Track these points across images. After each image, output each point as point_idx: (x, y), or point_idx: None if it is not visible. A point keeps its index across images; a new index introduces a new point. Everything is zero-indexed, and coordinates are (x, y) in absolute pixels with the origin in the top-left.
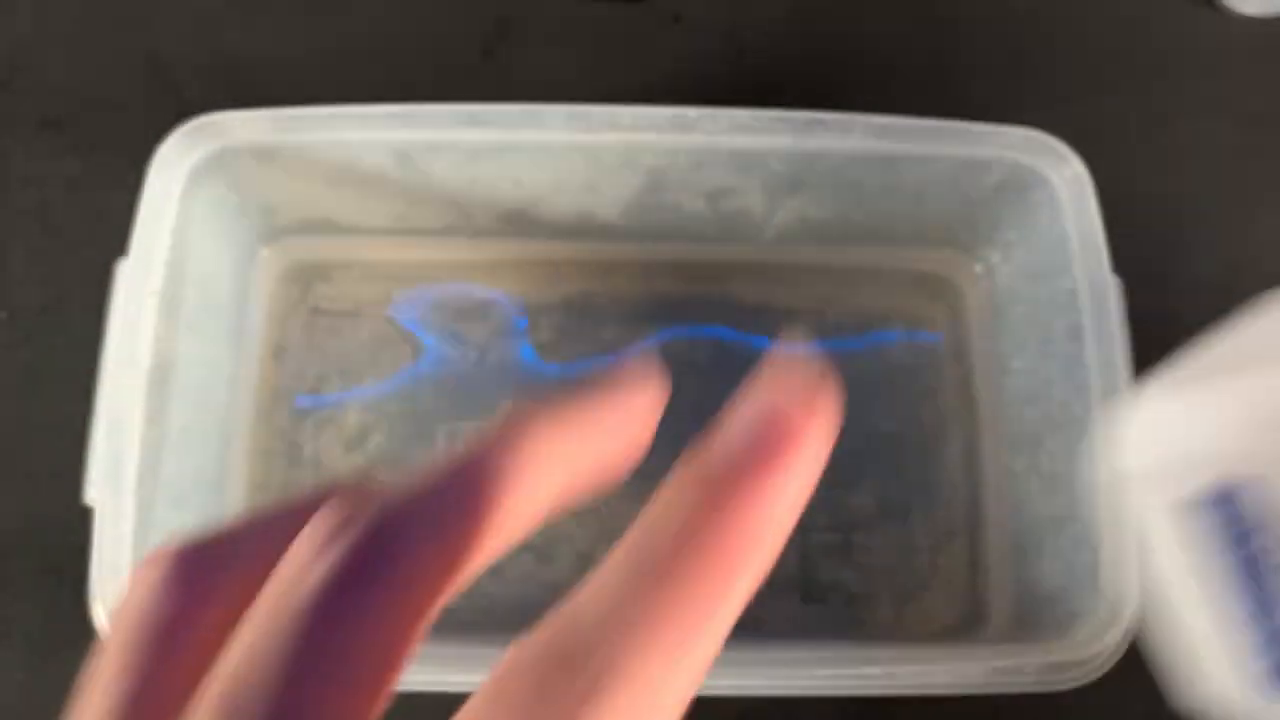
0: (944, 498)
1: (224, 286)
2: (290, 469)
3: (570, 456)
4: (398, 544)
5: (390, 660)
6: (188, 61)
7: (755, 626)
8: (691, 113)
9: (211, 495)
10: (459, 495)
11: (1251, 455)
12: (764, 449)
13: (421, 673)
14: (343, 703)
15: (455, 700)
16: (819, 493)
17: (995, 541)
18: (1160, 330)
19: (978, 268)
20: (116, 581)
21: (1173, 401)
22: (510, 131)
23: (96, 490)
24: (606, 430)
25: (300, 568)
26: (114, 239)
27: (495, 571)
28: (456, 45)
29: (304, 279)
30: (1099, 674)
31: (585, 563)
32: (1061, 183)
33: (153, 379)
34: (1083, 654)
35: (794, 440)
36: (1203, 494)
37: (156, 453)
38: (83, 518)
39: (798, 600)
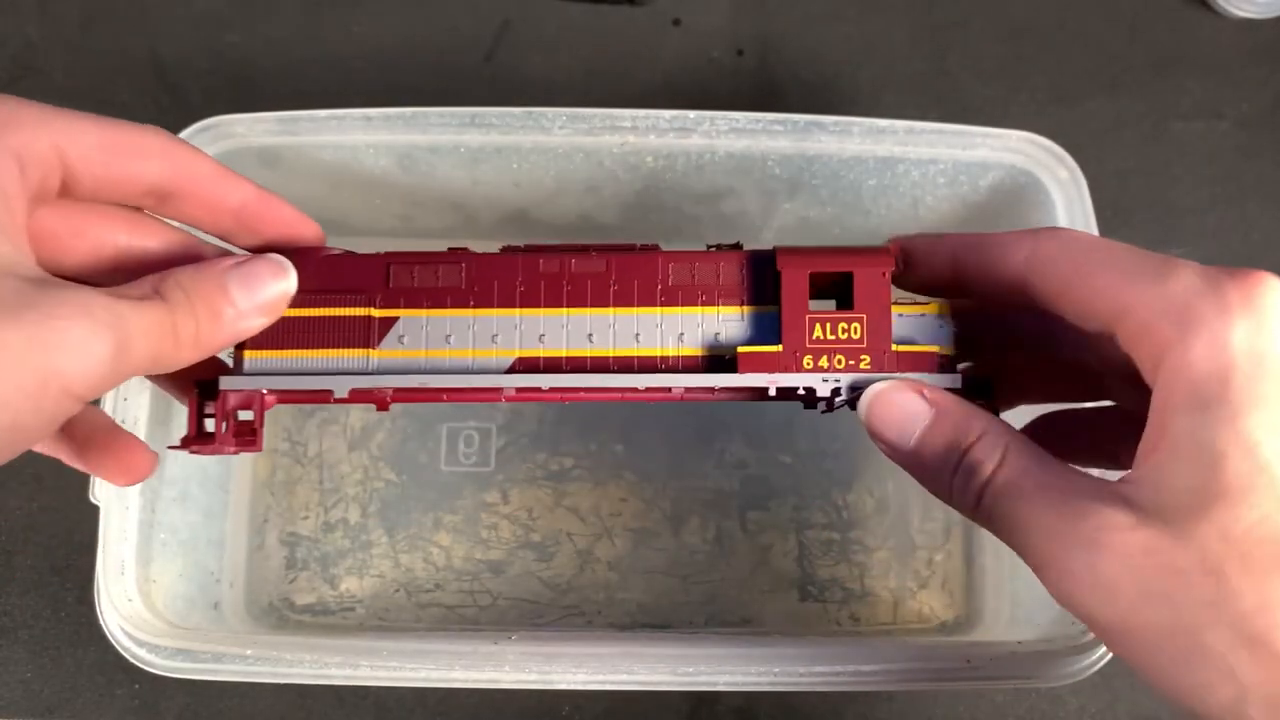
0: None
1: None
2: (295, 467)
3: None
4: None
5: None
6: (192, 65)
7: (755, 623)
8: (691, 115)
9: (216, 494)
10: None
11: None
12: None
13: (427, 668)
14: None
15: (458, 696)
16: (817, 492)
17: (991, 540)
18: None
19: None
20: (121, 580)
21: None
22: (512, 134)
23: (102, 489)
24: None
25: None
26: None
27: (497, 569)
28: (459, 48)
29: None
30: (1095, 670)
31: (585, 560)
32: (1056, 185)
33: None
34: (1078, 651)
35: None
36: None
37: (161, 452)
38: (89, 516)
39: (796, 598)
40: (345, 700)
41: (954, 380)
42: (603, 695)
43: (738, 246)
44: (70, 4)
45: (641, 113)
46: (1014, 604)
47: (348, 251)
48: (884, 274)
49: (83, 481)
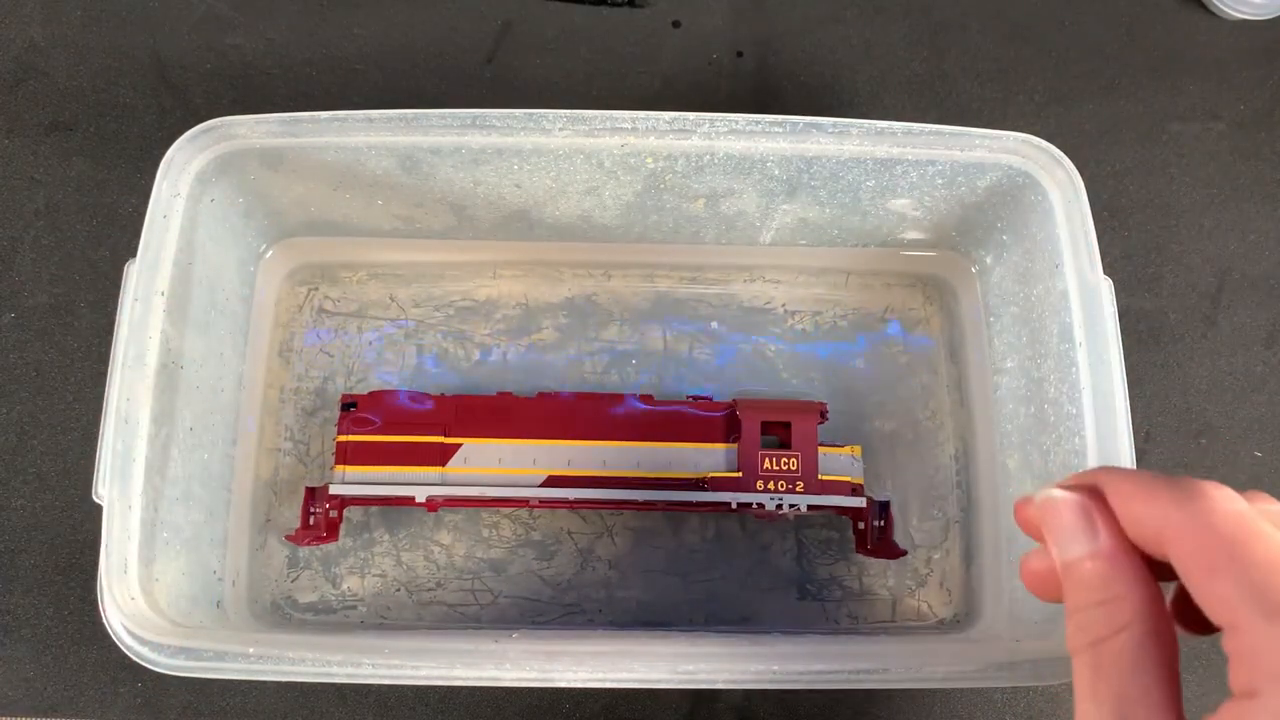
0: (938, 495)
1: (231, 287)
2: (297, 466)
3: None
4: None
5: None
6: (195, 66)
7: (754, 621)
8: (690, 116)
9: (219, 493)
10: None
11: None
12: None
13: (428, 667)
14: None
15: (459, 694)
16: None
17: (989, 539)
18: (1152, 330)
19: (972, 269)
20: (124, 578)
21: None
22: (512, 135)
23: (105, 488)
24: None
25: None
26: (122, 240)
27: (498, 568)
28: (460, 50)
29: (309, 280)
30: None
31: (585, 559)
32: (1054, 185)
33: (160, 378)
34: None
35: None
36: None
37: (164, 451)
38: (92, 515)
39: (794, 597)
40: (347, 698)
41: (860, 502)
42: (603, 693)
43: (709, 398)
44: (73, 5)
45: (641, 114)
46: (1012, 603)
47: (421, 393)
48: (813, 423)
49: (86, 481)
